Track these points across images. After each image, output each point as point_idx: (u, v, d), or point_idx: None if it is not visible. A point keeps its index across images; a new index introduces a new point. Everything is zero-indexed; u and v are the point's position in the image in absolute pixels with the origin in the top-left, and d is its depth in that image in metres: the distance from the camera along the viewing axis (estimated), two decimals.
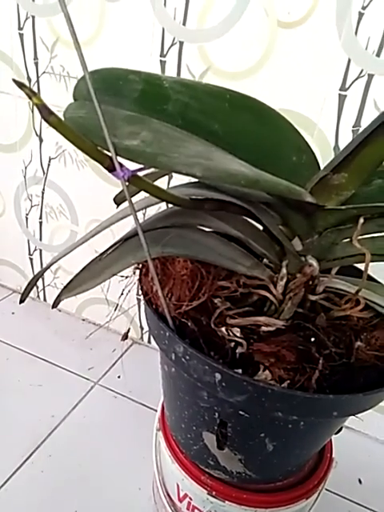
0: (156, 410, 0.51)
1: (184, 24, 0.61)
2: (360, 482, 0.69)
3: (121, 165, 0.27)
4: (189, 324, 0.34)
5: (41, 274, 0.39)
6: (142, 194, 0.34)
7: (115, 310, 0.72)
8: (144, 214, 0.74)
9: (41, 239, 0.91)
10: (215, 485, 0.42)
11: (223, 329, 0.33)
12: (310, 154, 0.34)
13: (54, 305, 0.41)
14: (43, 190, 0.85)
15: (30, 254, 0.94)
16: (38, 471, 0.63)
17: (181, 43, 0.62)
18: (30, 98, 0.23)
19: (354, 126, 0.58)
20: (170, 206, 0.39)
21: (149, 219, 0.37)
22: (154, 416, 0.51)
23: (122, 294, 0.40)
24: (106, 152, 0.26)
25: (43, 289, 0.97)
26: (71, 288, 0.38)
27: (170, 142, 0.27)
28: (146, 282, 0.36)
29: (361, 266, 0.35)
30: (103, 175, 0.76)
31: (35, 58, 0.74)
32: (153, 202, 0.36)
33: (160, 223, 0.36)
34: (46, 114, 0.24)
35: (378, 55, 0.53)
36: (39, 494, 0.61)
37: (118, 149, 0.25)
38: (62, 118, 0.26)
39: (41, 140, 0.80)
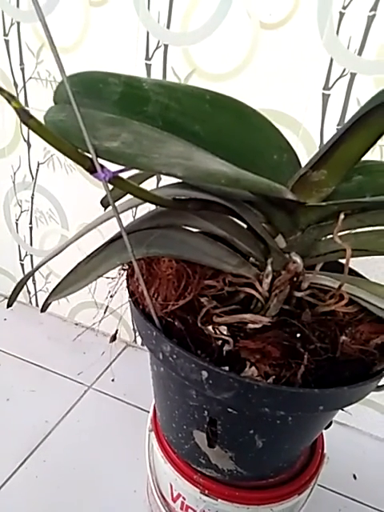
0: (149, 412, 0.51)
1: (168, 27, 0.62)
2: (354, 477, 0.69)
3: (102, 166, 0.27)
4: (175, 323, 0.34)
5: (27, 278, 0.39)
6: (128, 196, 0.34)
7: (105, 312, 0.72)
8: (134, 216, 0.74)
9: (31, 244, 0.91)
10: (208, 483, 0.42)
11: (210, 327, 0.34)
12: (290, 152, 0.34)
13: (43, 308, 0.41)
14: (32, 195, 0.85)
15: (20, 260, 0.94)
16: (32, 476, 0.63)
17: (165, 46, 0.63)
18: (9, 101, 0.24)
19: (338, 125, 0.58)
20: (157, 206, 0.39)
21: (134, 220, 0.38)
22: (147, 418, 0.51)
23: (111, 295, 0.40)
24: (86, 154, 0.26)
25: (35, 294, 0.96)
26: (58, 291, 0.38)
27: (150, 143, 0.27)
28: (133, 283, 0.36)
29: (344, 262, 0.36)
30: (92, 179, 0.76)
31: (21, 63, 0.74)
32: (137, 203, 0.36)
33: (145, 224, 0.36)
34: (26, 117, 0.24)
35: (359, 54, 0.54)
36: (34, 499, 0.61)
37: (99, 150, 0.25)
38: (43, 121, 0.26)
39: (29, 145, 0.80)
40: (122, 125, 0.28)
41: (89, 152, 0.26)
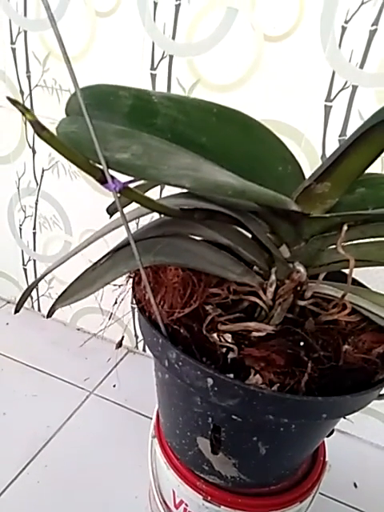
0: (151, 418, 0.51)
1: (173, 38, 0.63)
2: (355, 485, 0.69)
3: (112, 177, 0.28)
4: (181, 331, 0.34)
5: (35, 284, 0.40)
6: (134, 205, 0.35)
7: (109, 318, 0.73)
8: (137, 224, 0.75)
9: (35, 250, 0.91)
10: (210, 490, 0.42)
11: (215, 335, 0.34)
12: (295, 164, 0.35)
13: (49, 314, 0.42)
14: (37, 200, 0.86)
15: (24, 265, 0.94)
16: (34, 482, 0.63)
17: (170, 57, 0.64)
18: (24, 114, 0.24)
19: (340, 136, 0.59)
20: (162, 215, 0.40)
21: (141, 229, 0.38)
22: (149, 424, 0.52)
23: (115, 302, 0.41)
24: (97, 165, 0.27)
25: (38, 299, 0.97)
26: (65, 298, 0.38)
27: (159, 155, 0.28)
28: (139, 291, 0.37)
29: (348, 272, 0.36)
30: (96, 186, 0.77)
31: (27, 71, 0.75)
32: (144, 212, 0.37)
33: (151, 233, 0.37)
34: (39, 129, 0.25)
35: (361, 67, 0.55)
36: (35, 504, 0.61)
37: (110, 162, 0.26)
38: (55, 132, 0.27)
39: (34, 151, 0.81)
40: (132, 137, 0.29)
41: (100, 163, 0.26)
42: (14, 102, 0.24)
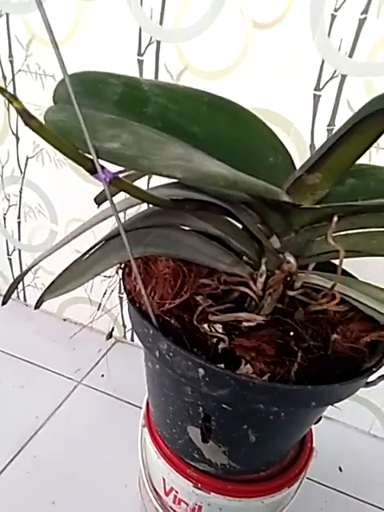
0: (140, 407, 0.52)
1: (161, 23, 0.61)
2: (340, 470, 0.71)
3: (102, 167, 0.27)
4: (172, 321, 0.34)
5: (22, 277, 0.39)
6: (123, 195, 0.35)
7: (98, 309, 0.72)
8: (125, 214, 0.74)
9: (19, 239, 0.90)
10: (200, 477, 0.43)
11: (205, 325, 0.34)
12: (285, 154, 0.35)
13: (37, 306, 0.41)
14: (21, 189, 0.84)
15: (8, 255, 0.93)
16: (23, 472, 0.63)
17: (158, 42, 0.63)
18: (11, 102, 0.24)
19: (328, 125, 0.59)
20: (151, 206, 0.40)
21: (130, 219, 0.38)
22: (138, 413, 0.52)
23: (105, 293, 0.40)
24: (87, 155, 0.26)
25: (23, 289, 0.95)
26: (54, 289, 0.38)
27: (150, 145, 0.28)
28: (129, 282, 0.37)
29: (337, 262, 0.37)
30: (82, 174, 0.76)
31: (10, 56, 0.73)
32: (133, 203, 0.36)
33: (141, 223, 0.36)
34: (27, 118, 0.24)
35: (350, 56, 0.55)
36: (25, 495, 0.61)
37: (99, 152, 0.26)
38: (42, 120, 0.26)
39: (17, 139, 0.79)
40: (122, 126, 0.28)
41: (89, 153, 0.26)
42: (1, 91, 0.24)
